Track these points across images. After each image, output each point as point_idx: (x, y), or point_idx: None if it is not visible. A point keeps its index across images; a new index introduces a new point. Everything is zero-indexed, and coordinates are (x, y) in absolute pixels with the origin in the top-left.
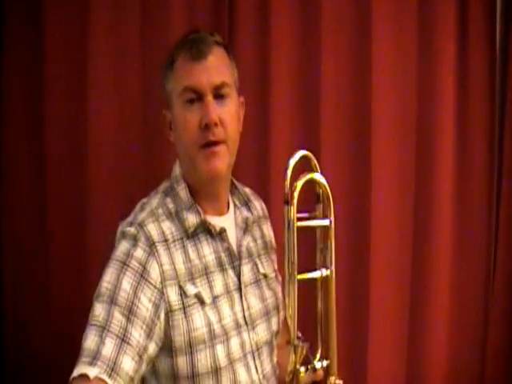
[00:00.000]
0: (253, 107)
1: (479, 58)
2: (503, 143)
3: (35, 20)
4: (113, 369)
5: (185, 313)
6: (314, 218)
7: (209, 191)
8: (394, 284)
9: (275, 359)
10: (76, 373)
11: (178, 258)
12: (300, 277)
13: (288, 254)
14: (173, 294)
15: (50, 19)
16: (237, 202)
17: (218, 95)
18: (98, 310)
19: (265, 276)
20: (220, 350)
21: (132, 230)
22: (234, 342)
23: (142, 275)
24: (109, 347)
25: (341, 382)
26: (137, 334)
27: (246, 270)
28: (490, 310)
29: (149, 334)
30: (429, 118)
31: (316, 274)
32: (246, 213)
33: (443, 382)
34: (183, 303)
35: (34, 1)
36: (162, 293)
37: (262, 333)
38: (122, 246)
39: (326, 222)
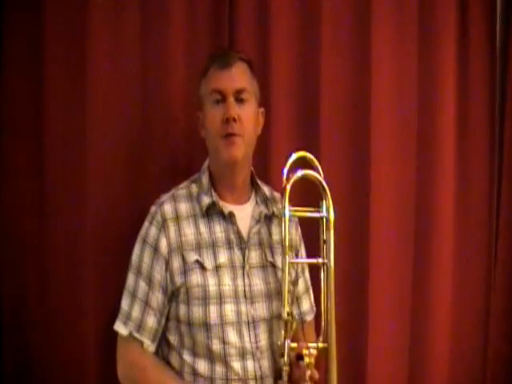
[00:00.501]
0: None
1: (479, 58)
2: (503, 143)
3: (35, 20)
4: (140, 326)
5: (185, 276)
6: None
7: (228, 178)
8: (395, 285)
9: (275, 338)
10: (116, 327)
11: (188, 230)
12: (293, 260)
13: (283, 239)
14: (176, 262)
15: (49, 19)
16: (258, 200)
17: (239, 98)
18: (130, 278)
19: (273, 265)
20: (212, 309)
21: (153, 208)
22: (229, 308)
23: (156, 249)
24: (136, 309)
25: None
26: (156, 297)
27: (253, 255)
28: (491, 310)
29: (165, 294)
30: (429, 118)
31: (309, 260)
32: (262, 208)
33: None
34: (184, 268)
35: (34, 1)
36: (168, 262)
37: (260, 309)
38: (145, 224)
39: (319, 214)
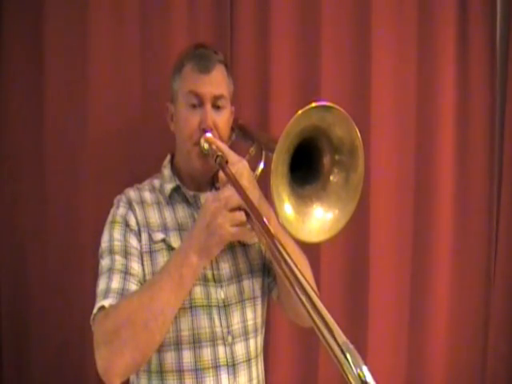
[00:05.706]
0: (253, 107)
1: (479, 58)
2: (503, 143)
3: (35, 20)
4: (122, 294)
5: (151, 257)
6: None
7: (197, 175)
8: (394, 285)
9: (251, 322)
10: (95, 310)
11: (153, 214)
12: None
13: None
14: (144, 239)
15: (49, 19)
16: (219, 186)
17: (216, 105)
18: (103, 261)
19: (243, 245)
20: None
21: (118, 197)
22: (198, 291)
23: (126, 224)
24: (116, 281)
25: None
26: (135, 265)
27: None
28: (490, 310)
29: (143, 265)
30: (429, 118)
31: None
32: None
33: (443, 383)
34: (150, 248)
35: (33, 1)
36: (140, 235)
37: (230, 292)
38: (111, 212)
39: None
